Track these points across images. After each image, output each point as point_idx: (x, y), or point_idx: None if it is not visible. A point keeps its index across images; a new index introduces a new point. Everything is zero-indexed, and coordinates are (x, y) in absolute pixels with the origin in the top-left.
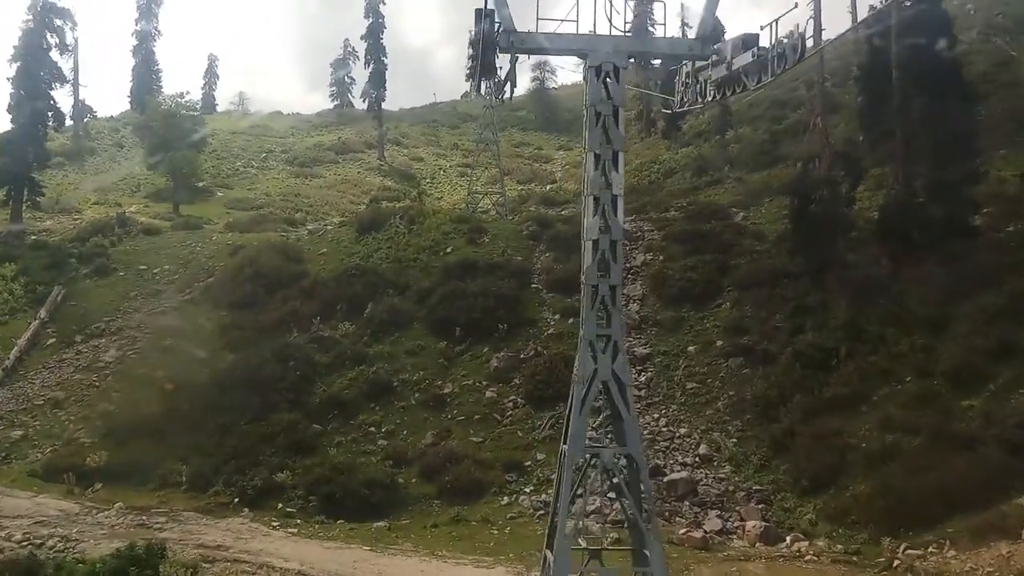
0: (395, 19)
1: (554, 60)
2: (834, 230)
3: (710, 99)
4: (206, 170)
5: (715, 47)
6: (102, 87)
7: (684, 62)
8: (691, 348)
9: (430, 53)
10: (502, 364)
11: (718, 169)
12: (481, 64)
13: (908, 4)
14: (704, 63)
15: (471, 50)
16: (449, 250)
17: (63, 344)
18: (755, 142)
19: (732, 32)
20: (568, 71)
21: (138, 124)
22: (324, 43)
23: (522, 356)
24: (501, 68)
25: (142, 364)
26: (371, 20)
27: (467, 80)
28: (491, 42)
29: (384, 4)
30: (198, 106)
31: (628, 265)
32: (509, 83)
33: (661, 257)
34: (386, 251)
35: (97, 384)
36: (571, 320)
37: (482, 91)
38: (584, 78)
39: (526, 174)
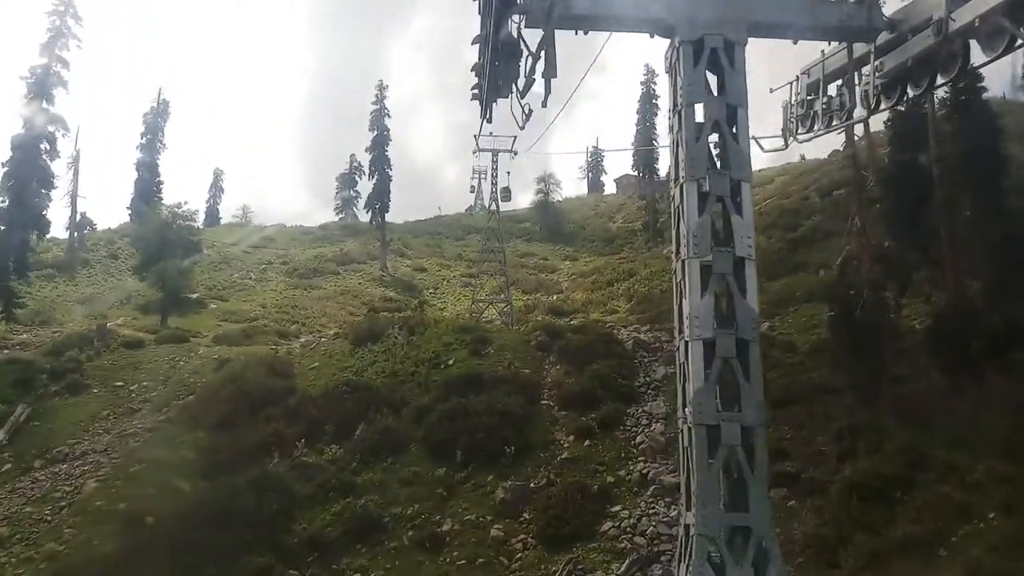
0: (401, 139)
1: (558, 160)
2: (881, 340)
3: (873, 107)
4: (201, 281)
5: (895, 16)
6: (106, 199)
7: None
8: None
9: (435, 172)
10: (509, 495)
11: None
12: (495, 47)
13: (946, 96)
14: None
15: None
16: (451, 362)
17: (19, 470)
18: (771, 251)
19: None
20: (573, 182)
21: (135, 235)
22: (331, 157)
23: (532, 485)
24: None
25: (103, 494)
26: (376, 133)
27: (472, 99)
28: (510, 4)
29: (389, 117)
30: (196, 215)
31: (648, 380)
32: (544, 77)
33: None
34: (382, 364)
35: (49, 519)
36: (587, 442)
37: (489, 115)
38: (668, 68)
39: (532, 284)
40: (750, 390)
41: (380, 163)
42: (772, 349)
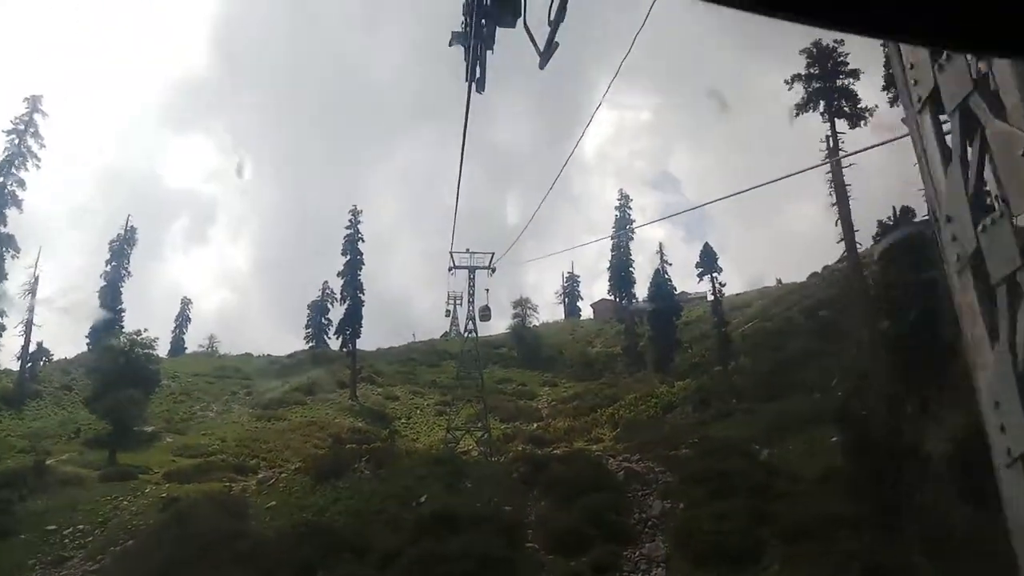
0: (374, 270)
1: (539, 285)
2: (901, 466)
3: None
4: (158, 413)
5: None
6: (68, 328)
7: None
8: None
9: (408, 302)
10: None
11: (724, 401)
12: None
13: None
14: None
15: None
16: (423, 499)
17: None
18: (759, 372)
19: None
20: (549, 307)
21: (90, 365)
22: (302, 285)
23: None
24: None
25: None
26: (348, 257)
27: (451, 45)
28: None
29: (363, 242)
30: (155, 343)
31: (644, 516)
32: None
33: (682, 504)
34: (346, 502)
35: None
36: None
37: (482, 78)
38: None
39: (510, 411)
40: None
41: (352, 287)
42: (775, 479)
